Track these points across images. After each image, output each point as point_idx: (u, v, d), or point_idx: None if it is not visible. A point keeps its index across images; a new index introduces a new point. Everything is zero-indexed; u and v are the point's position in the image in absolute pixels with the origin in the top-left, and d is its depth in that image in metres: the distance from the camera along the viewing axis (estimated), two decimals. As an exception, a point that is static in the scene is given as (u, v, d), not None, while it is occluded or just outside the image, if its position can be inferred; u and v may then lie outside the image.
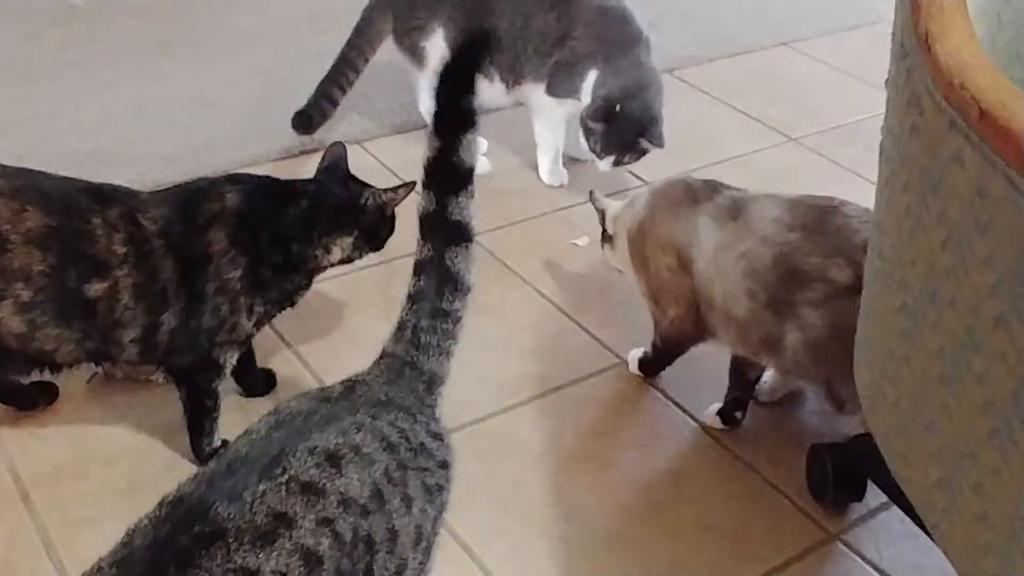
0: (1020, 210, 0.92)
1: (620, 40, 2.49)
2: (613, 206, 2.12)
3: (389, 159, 2.72)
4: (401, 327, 1.38)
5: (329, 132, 2.69)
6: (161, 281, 1.69)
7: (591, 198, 2.18)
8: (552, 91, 2.54)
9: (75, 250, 1.64)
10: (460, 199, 1.32)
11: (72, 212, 1.65)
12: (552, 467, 1.89)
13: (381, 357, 1.38)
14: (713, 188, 1.96)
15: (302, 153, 2.70)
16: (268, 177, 1.86)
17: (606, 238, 2.14)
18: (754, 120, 3.08)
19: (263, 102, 2.91)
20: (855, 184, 2.71)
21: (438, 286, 1.35)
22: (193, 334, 1.73)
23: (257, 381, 1.98)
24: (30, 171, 1.71)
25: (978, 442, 1.03)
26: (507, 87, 2.58)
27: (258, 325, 1.81)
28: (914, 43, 1.10)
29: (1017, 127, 0.92)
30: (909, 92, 1.12)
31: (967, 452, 1.05)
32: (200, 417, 1.82)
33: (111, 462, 1.83)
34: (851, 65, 3.42)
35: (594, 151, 2.48)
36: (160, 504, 1.07)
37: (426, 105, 2.70)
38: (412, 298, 1.37)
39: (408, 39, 2.57)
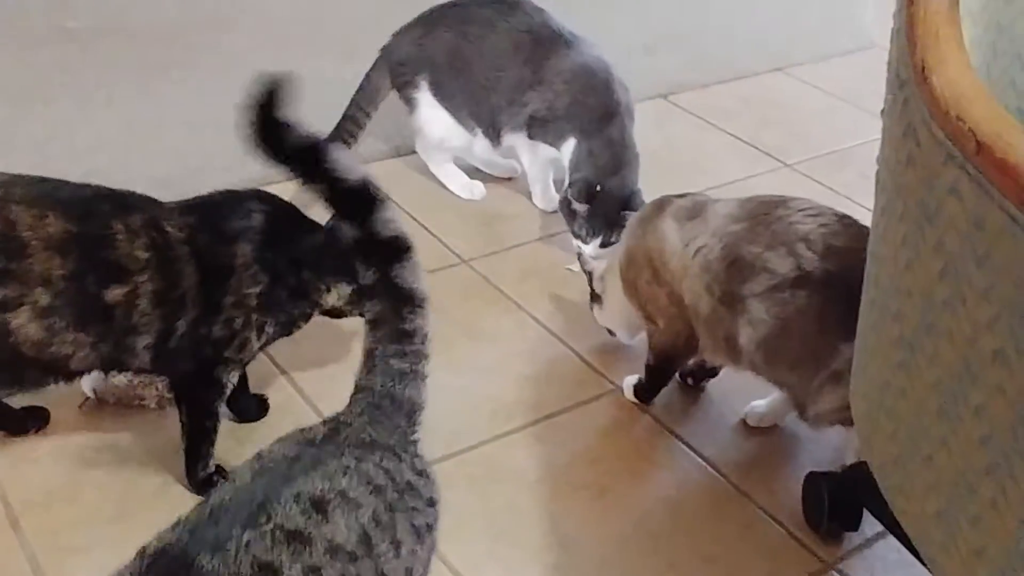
0: (1018, 243, 0.91)
1: (598, 109, 2.50)
2: (599, 267, 2.17)
3: (384, 182, 2.71)
4: (369, 356, 1.34)
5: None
6: (181, 288, 1.70)
7: (579, 260, 2.23)
8: (532, 136, 2.59)
9: (95, 255, 1.64)
10: (379, 215, 1.28)
11: (93, 218, 1.65)
12: (546, 494, 1.88)
13: (357, 392, 1.34)
14: (680, 196, 2.02)
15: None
16: (290, 203, 1.87)
17: (594, 298, 2.18)
18: (748, 145, 3.08)
19: (257, 126, 2.91)
20: (849, 210, 2.66)
21: (394, 307, 1.33)
22: (200, 341, 1.73)
23: (250, 407, 1.97)
24: (50, 179, 1.70)
25: (976, 476, 1.02)
26: (491, 141, 2.65)
27: (262, 347, 1.82)
28: (910, 74, 1.10)
29: (1014, 160, 0.92)
30: (905, 123, 1.12)
31: (965, 486, 1.04)
32: (197, 439, 1.81)
33: (102, 487, 1.82)
34: (845, 91, 3.43)
35: (579, 236, 2.47)
36: (140, 555, 1.03)
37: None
38: (373, 324, 1.34)
39: (402, 92, 2.68)
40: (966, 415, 1.03)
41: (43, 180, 1.69)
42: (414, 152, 2.81)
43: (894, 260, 1.18)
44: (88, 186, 1.72)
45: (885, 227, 1.22)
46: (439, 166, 2.75)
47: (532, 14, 2.58)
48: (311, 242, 1.81)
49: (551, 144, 2.56)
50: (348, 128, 2.69)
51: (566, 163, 2.53)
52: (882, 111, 1.25)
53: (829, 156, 3.04)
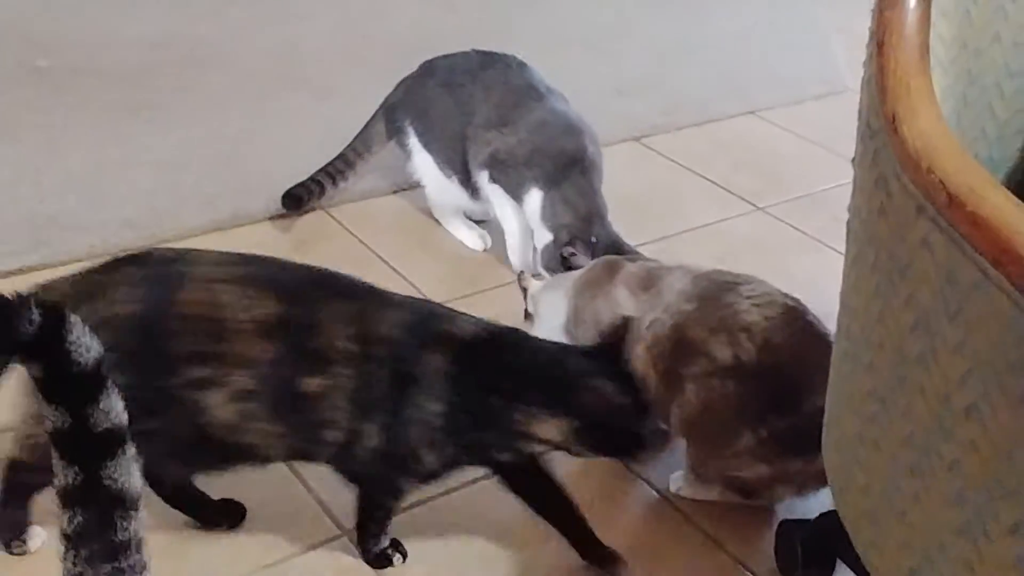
0: (990, 298, 0.90)
1: (561, 157, 2.49)
2: (534, 285, 2.18)
3: (354, 225, 2.71)
4: None
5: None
6: (376, 389, 1.61)
7: (519, 278, 2.23)
8: (494, 180, 2.57)
9: (299, 342, 1.58)
10: (102, 403, 1.03)
11: (301, 302, 1.59)
12: (518, 542, 1.85)
13: None
14: (631, 260, 2.03)
15: (268, 219, 2.68)
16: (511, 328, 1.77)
17: (527, 316, 2.18)
18: (721, 189, 3.08)
19: (227, 166, 2.89)
20: (822, 253, 2.71)
21: (102, 515, 1.06)
22: (380, 446, 1.64)
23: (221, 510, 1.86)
24: (257, 257, 1.66)
25: (950, 534, 1.01)
26: (465, 188, 2.64)
27: (448, 469, 1.71)
28: (881, 124, 1.09)
29: (985, 213, 0.91)
30: (876, 173, 1.11)
31: (939, 544, 1.03)
32: (367, 521, 1.77)
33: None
34: (817, 134, 3.43)
35: None
36: None
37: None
38: (74, 540, 1.06)
39: (396, 140, 2.72)
40: (939, 471, 1.01)
41: (248, 257, 1.64)
42: (388, 193, 2.80)
43: (866, 311, 1.17)
44: (300, 266, 1.68)
45: (857, 278, 1.21)
46: (444, 217, 2.76)
47: (514, 67, 2.62)
48: (506, 362, 1.67)
49: (513, 195, 2.54)
50: (338, 166, 2.71)
51: (535, 219, 2.49)
52: (853, 160, 1.25)
53: (802, 199, 3.04)
